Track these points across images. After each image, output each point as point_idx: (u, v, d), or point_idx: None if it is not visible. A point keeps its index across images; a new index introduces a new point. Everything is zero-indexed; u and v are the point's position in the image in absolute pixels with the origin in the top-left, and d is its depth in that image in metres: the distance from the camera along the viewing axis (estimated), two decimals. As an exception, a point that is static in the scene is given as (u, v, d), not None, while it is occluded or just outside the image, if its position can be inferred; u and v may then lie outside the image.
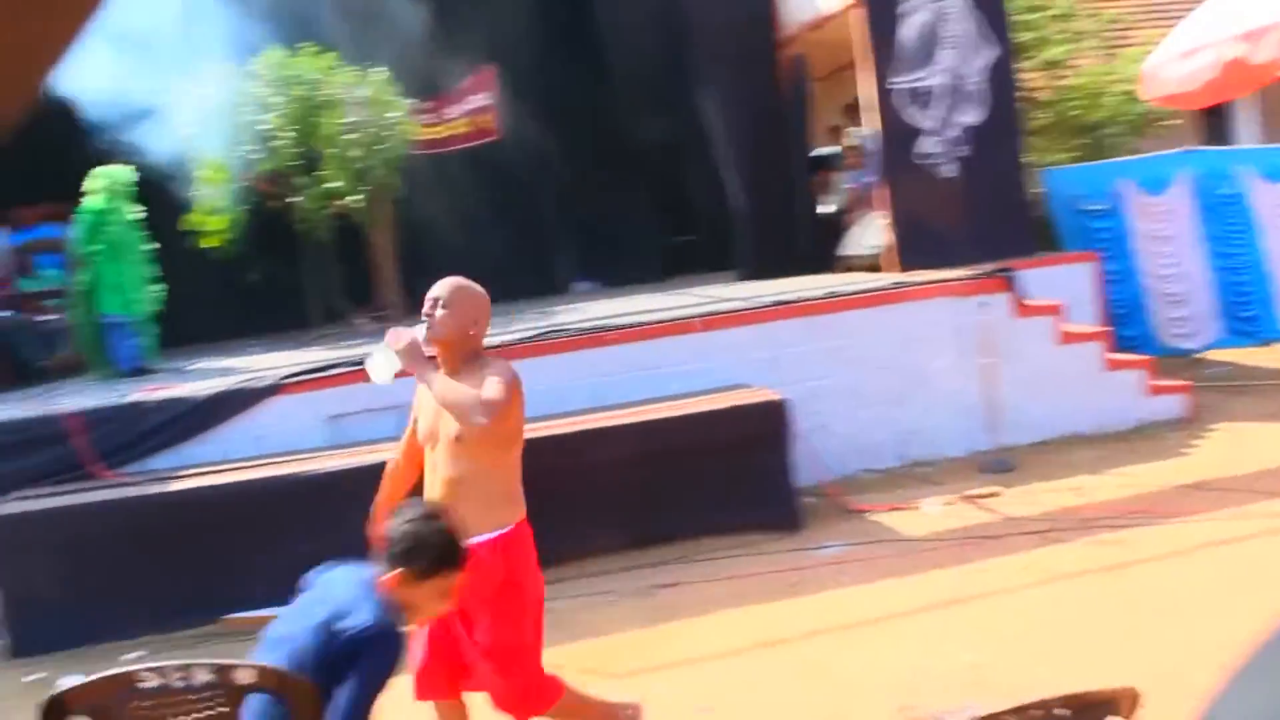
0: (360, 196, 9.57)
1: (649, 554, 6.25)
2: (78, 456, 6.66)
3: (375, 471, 6.06)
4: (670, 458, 6.40)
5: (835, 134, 11.46)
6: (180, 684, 2.38)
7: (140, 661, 5.49)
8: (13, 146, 10.86)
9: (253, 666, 2.41)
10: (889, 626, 4.92)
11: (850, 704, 4.22)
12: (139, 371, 8.38)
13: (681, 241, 12.05)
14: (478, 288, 3.69)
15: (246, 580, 6.05)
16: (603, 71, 12.19)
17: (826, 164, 11.04)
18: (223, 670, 2.38)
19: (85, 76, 9.46)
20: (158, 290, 8.63)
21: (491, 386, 3.37)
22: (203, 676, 2.36)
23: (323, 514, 6.03)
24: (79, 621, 5.92)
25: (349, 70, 9.80)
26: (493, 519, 3.48)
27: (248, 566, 6.07)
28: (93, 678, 2.50)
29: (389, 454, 6.24)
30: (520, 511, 3.62)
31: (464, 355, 3.57)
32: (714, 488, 6.43)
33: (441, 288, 3.61)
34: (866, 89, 8.91)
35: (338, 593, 2.78)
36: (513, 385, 3.44)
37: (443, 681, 3.65)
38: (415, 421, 3.77)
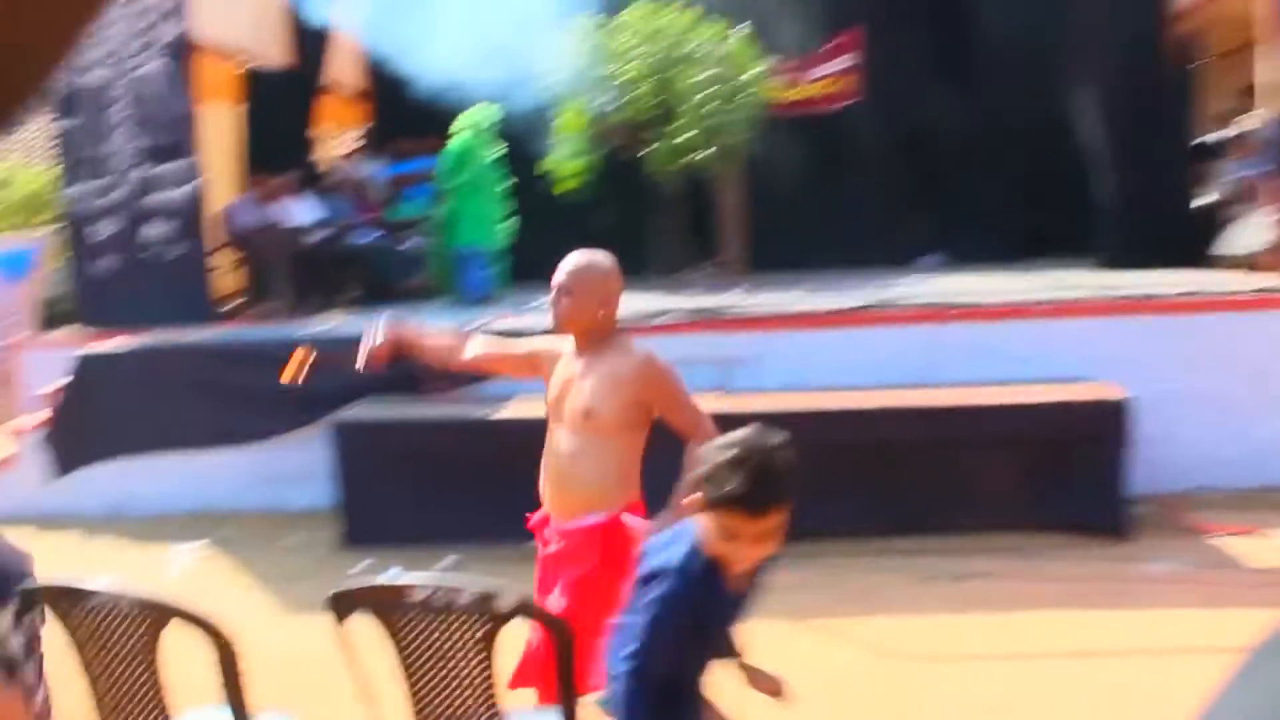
0: (711, 152, 9.66)
1: (959, 539, 6.03)
2: (416, 374, 7.12)
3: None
4: (997, 444, 6.15)
5: (1225, 119, 10.50)
6: (444, 602, 2.48)
7: (453, 567, 5.87)
8: (397, 87, 11.71)
9: (515, 596, 2.48)
10: (1214, 660, 4.50)
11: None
12: (485, 301, 8.86)
13: (1040, 223, 11.42)
14: (603, 264, 3.44)
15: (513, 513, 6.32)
16: (971, 41, 11.71)
17: (1211, 152, 10.15)
18: (485, 597, 2.46)
19: (461, 23, 10.04)
20: (510, 226, 9.07)
21: (685, 404, 3.35)
22: (466, 599, 2.45)
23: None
24: (404, 522, 6.37)
25: (712, 26, 9.87)
26: (604, 493, 3.32)
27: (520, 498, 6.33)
28: (376, 583, 2.65)
29: (706, 405, 6.38)
30: (632, 496, 3.40)
31: (596, 337, 3.39)
32: (1038, 481, 6.12)
33: (564, 274, 3.39)
34: (1267, 71, 8.10)
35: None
36: (671, 372, 3.38)
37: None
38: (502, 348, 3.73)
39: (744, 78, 9.86)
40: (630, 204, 10.51)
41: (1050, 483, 6.11)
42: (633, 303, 8.28)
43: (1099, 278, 8.40)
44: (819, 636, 5.02)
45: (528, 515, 3.61)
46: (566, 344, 3.47)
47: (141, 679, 2.87)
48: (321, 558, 6.50)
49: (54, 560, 6.77)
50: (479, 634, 2.55)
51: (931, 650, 4.79)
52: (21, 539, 7.30)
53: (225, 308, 9.44)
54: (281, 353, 7.58)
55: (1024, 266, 9.72)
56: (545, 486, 3.46)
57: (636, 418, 3.34)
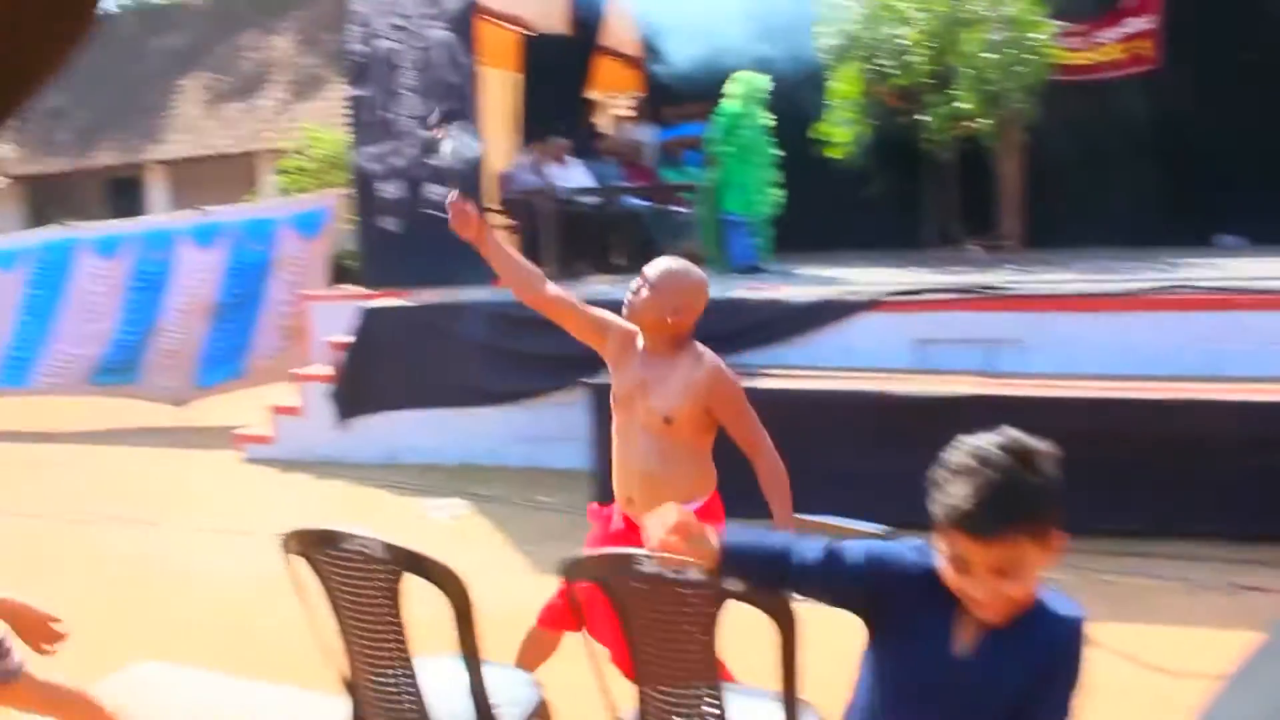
0: (990, 120, 9.26)
1: (1233, 547, 5.57)
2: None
3: (957, 403, 6.01)
4: (1284, 447, 5.63)
5: None
6: (673, 575, 2.46)
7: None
8: (670, 52, 11.77)
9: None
10: None
11: None
12: (751, 269, 8.82)
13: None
14: (692, 275, 3.46)
15: (816, 485, 6.21)
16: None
17: None
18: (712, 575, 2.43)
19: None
20: (779, 194, 8.99)
21: (749, 418, 3.48)
22: (695, 574, 2.42)
23: (896, 435, 6.02)
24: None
25: (997, -14, 9.43)
26: (692, 490, 3.42)
27: (818, 472, 6.22)
28: (603, 551, 2.67)
29: (971, 386, 6.15)
30: (713, 485, 3.54)
31: (665, 340, 3.43)
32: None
33: (653, 269, 3.45)
34: None
35: None
36: (738, 386, 3.48)
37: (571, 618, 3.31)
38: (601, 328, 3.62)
39: (1029, 40, 9.38)
40: (902, 173, 10.22)
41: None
42: (898, 276, 8.10)
43: None
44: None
45: (598, 505, 3.71)
46: (638, 335, 3.51)
47: (385, 622, 3.01)
48: (575, 519, 6.65)
49: (326, 504, 7.29)
50: (706, 609, 2.53)
51: (1205, 667, 4.44)
52: (299, 485, 7.85)
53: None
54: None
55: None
56: (628, 481, 3.51)
57: (709, 423, 3.47)
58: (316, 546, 3.09)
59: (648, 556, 2.60)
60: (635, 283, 3.47)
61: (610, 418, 3.61)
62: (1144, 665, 4.49)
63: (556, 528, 6.50)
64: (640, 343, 3.52)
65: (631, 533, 3.41)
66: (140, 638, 5.17)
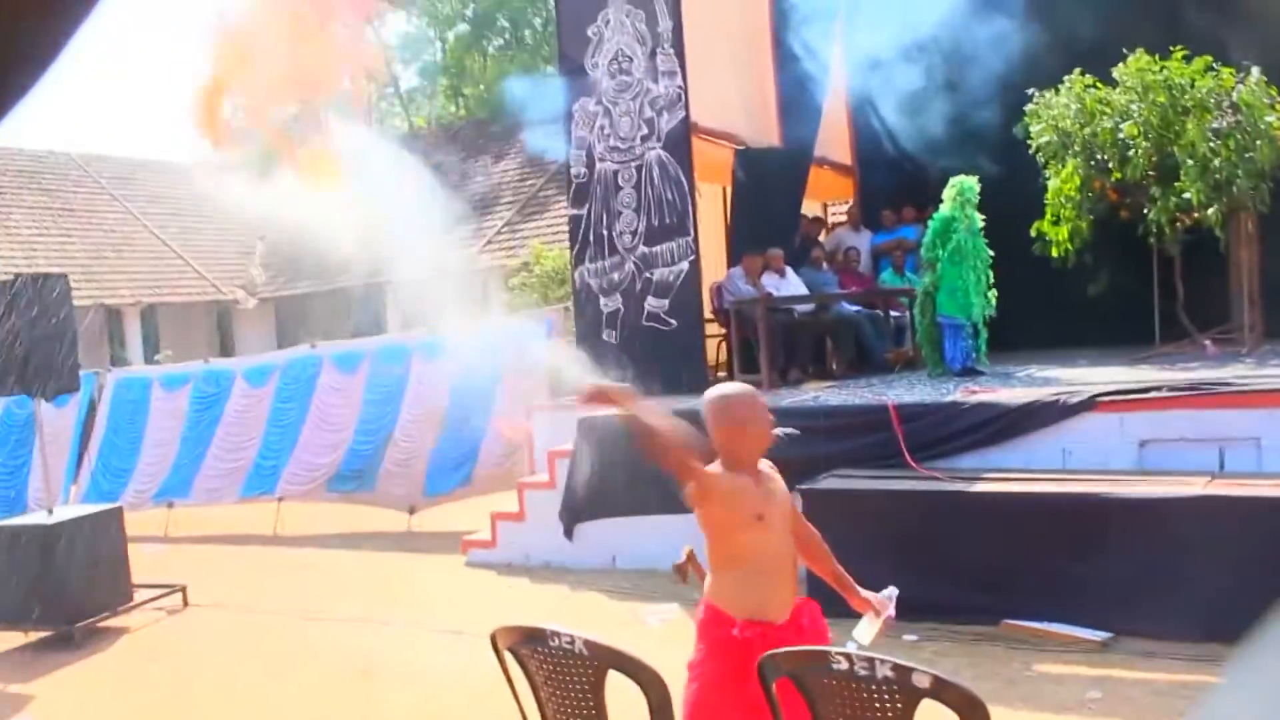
0: (1219, 209, 8.91)
1: None
2: (894, 445, 7.12)
3: (1182, 504, 5.75)
4: None
5: None
6: (863, 673, 2.47)
7: (915, 644, 5.79)
8: (883, 159, 11.85)
9: (931, 674, 2.42)
10: None
11: None
12: (968, 372, 8.69)
13: None
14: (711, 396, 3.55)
15: (1032, 590, 6.04)
16: None
17: None
18: (902, 671, 2.42)
19: (947, 92, 10.01)
20: (994, 296, 8.87)
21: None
22: (884, 672, 2.43)
23: (1120, 540, 5.80)
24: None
25: (1222, 71, 9.14)
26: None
27: (1036, 576, 6.04)
28: (800, 649, 2.70)
29: (1198, 488, 5.87)
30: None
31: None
32: None
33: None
34: None
35: None
36: None
37: None
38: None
39: (1259, 124, 9.02)
40: (1126, 269, 9.89)
41: None
42: (1121, 375, 7.83)
43: None
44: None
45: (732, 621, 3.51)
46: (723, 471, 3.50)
47: (587, 715, 3.11)
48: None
49: (543, 606, 7.48)
50: (896, 707, 2.53)
51: None
52: (519, 588, 8.09)
53: (714, 377, 9.95)
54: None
55: None
56: (762, 589, 3.42)
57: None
58: (523, 643, 3.23)
59: (843, 654, 2.63)
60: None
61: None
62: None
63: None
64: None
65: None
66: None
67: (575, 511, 8.74)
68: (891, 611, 3.63)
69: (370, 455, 11.39)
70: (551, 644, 3.14)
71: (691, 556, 3.93)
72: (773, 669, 2.82)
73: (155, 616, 8.33)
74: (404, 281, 20.22)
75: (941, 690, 2.48)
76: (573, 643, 3.07)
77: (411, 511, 11.13)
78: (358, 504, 11.45)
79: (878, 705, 2.55)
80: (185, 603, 8.56)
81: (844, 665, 2.54)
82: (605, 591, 7.88)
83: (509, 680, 3.31)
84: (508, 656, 3.28)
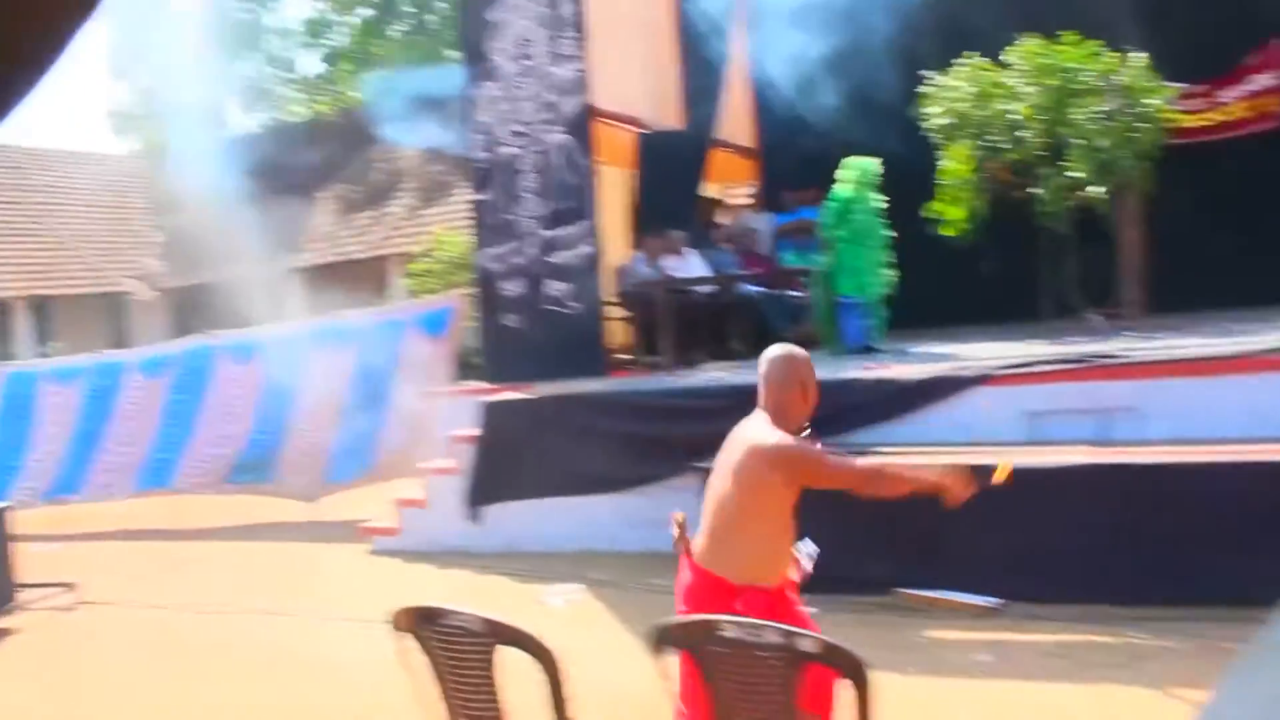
0: (1106, 189, 9.14)
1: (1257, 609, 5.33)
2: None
3: (1069, 473, 5.91)
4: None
5: None
6: (751, 639, 2.50)
7: (813, 615, 5.87)
8: (783, 141, 11.96)
9: (815, 638, 2.46)
10: None
11: None
12: (866, 350, 8.82)
13: None
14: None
15: (925, 559, 6.17)
16: None
17: None
18: (788, 635, 2.46)
19: (843, 74, 10.13)
20: (892, 275, 9.01)
21: None
22: (772, 638, 2.46)
23: (1009, 508, 5.90)
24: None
25: (1108, 56, 9.37)
26: None
27: (929, 546, 6.16)
28: (686, 619, 2.72)
29: (1083, 456, 6.04)
30: None
31: None
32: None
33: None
34: None
35: None
36: None
37: None
38: None
39: (1143, 107, 9.28)
40: (1018, 247, 10.10)
41: None
42: (1013, 350, 8.00)
43: None
44: (1182, 708, 4.60)
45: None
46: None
47: (484, 694, 3.11)
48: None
49: (447, 592, 7.44)
50: (784, 671, 2.56)
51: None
52: (424, 574, 8.03)
53: (616, 360, 9.96)
54: (667, 401, 8.03)
55: None
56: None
57: None
58: (421, 623, 3.22)
59: (731, 623, 2.66)
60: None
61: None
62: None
63: (669, 610, 6.51)
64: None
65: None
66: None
67: (480, 495, 8.70)
68: (809, 567, 3.66)
69: (270, 445, 11.21)
70: (448, 623, 3.13)
71: (683, 524, 3.83)
72: (667, 641, 2.83)
73: (44, 617, 8.10)
74: (305, 270, 19.97)
75: (827, 654, 2.52)
76: (468, 621, 3.06)
77: (314, 501, 10.98)
78: (259, 495, 11.26)
79: (766, 670, 2.58)
80: (77, 601, 8.33)
81: (733, 633, 2.57)
82: (510, 575, 7.87)
83: (406, 660, 3.29)
84: (406, 637, 3.26)
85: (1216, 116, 10.89)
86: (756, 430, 3.51)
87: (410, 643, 3.26)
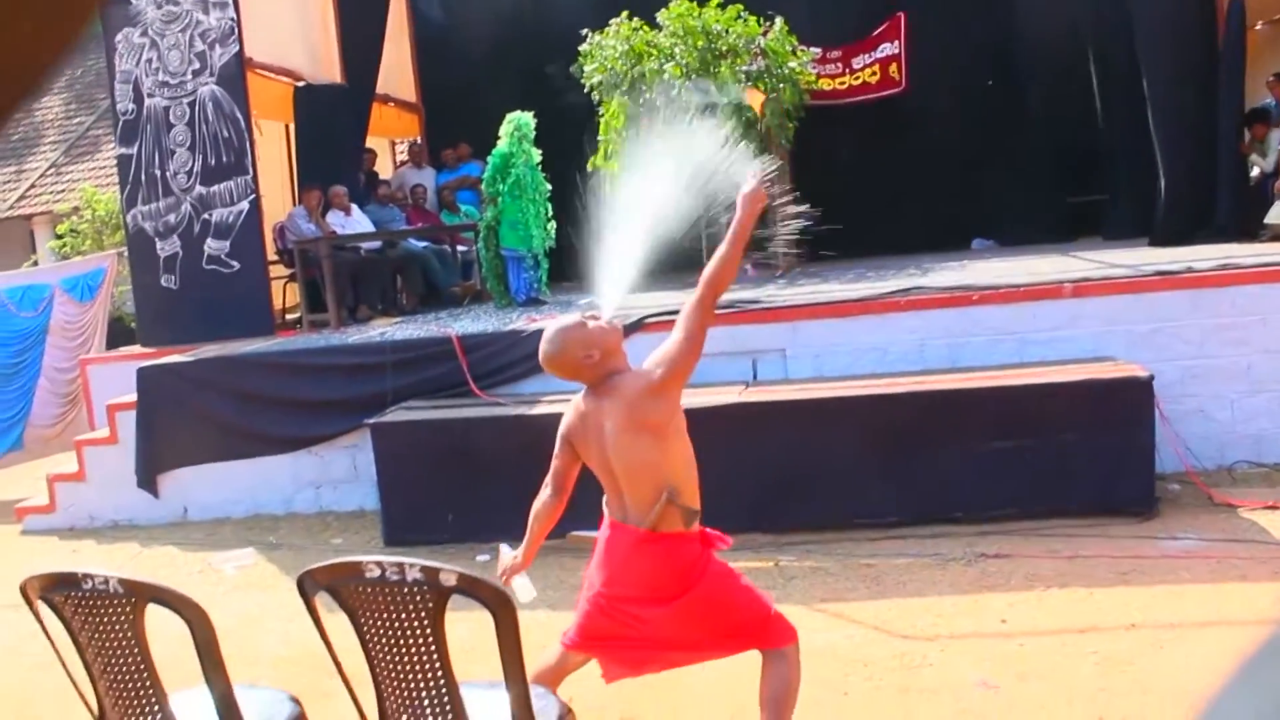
0: (754, 146, 9.70)
1: (984, 523, 6.03)
2: (460, 375, 7.34)
3: (720, 412, 6.33)
4: (1021, 427, 6.12)
5: (1276, 86, 10.27)
6: (395, 577, 2.62)
7: (487, 563, 6.03)
8: (444, 97, 11.98)
9: (458, 571, 2.61)
10: (1217, 634, 4.47)
11: (1143, 707, 3.91)
12: (532, 302, 9.03)
13: (1088, 202, 11.28)
14: (563, 330, 3.46)
15: (592, 502, 6.44)
16: (1014, 17, 11.61)
17: (1263, 118, 9.93)
18: (430, 571, 2.60)
19: (501, 29, 10.25)
20: (554, 228, 9.25)
21: None
22: (413, 574, 2.59)
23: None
24: (441, 522, 6.55)
25: (751, 20, 9.93)
26: None
27: (594, 488, 6.44)
28: (330, 561, 2.81)
29: (734, 396, 6.49)
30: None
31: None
32: (1063, 463, 6.06)
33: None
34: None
35: None
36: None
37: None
38: None
39: (784, 69, 9.91)
40: (676, 202, 10.58)
41: (1077, 464, 6.05)
42: (667, 299, 8.42)
43: (1141, 255, 8.28)
44: (828, 619, 5.08)
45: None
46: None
47: (132, 657, 3.06)
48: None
49: (108, 567, 7.13)
50: (428, 605, 2.69)
51: (939, 629, 4.82)
52: (84, 550, 7.64)
53: (281, 319, 9.76)
54: (331, 360, 7.96)
55: (1075, 249, 9.62)
56: None
57: None
58: (55, 589, 3.13)
59: (374, 562, 2.75)
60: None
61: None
62: (890, 633, 4.84)
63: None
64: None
65: None
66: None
67: (148, 465, 8.32)
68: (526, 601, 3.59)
69: (-101, 422, 10.30)
70: (85, 586, 3.06)
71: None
72: (311, 585, 2.89)
73: None
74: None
75: (470, 587, 2.67)
76: (106, 583, 3.01)
77: (-45, 481, 10.20)
78: (-115, 478, 10.34)
79: (412, 606, 2.70)
80: None
81: (376, 573, 2.67)
82: (178, 545, 7.61)
83: (44, 629, 3.19)
84: (40, 606, 3.16)
85: (850, 80, 11.75)
86: (614, 392, 3.37)
87: (46, 613, 3.16)
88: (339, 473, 7.84)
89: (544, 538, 3.65)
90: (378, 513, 7.17)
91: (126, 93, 9.60)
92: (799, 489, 6.35)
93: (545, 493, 3.59)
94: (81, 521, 8.41)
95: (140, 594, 2.95)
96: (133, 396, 8.29)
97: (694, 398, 6.57)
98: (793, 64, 10.04)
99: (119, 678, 3.10)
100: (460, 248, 10.52)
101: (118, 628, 3.03)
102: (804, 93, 10.18)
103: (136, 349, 9.71)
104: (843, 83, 11.74)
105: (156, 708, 3.08)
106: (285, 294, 10.26)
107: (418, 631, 2.72)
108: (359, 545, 6.99)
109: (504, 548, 3.75)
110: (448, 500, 6.65)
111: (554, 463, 3.58)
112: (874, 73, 11.74)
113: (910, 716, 4.08)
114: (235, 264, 9.34)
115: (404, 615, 2.71)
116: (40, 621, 3.17)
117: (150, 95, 9.52)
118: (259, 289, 9.42)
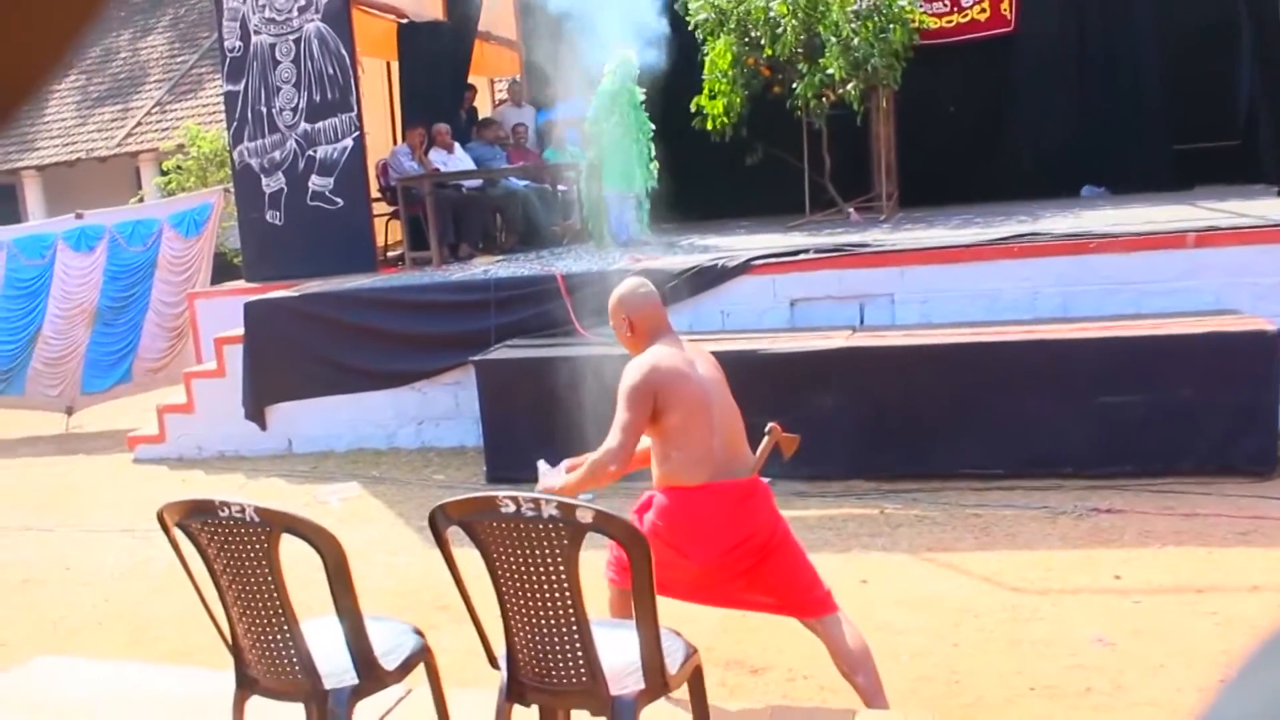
0: (856, 85, 9.52)
1: (1101, 476, 5.91)
2: (564, 313, 7.35)
3: (827, 356, 6.28)
4: (1136, 381, 5.96)
5: None
6: (530, 513, 2.62)
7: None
8: (548, 34, 11.88)
9: (594, 509, 2.61)
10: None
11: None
12: (632, 243, 9.00)
13: (1210, 148, 10.86)
14: (620, 294, 3.67)
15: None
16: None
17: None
18: (566, 508, 2.59)
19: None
20: (657, 168, 9.18)
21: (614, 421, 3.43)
22: (549, 510, 2.59)
23: (772, 390, 6.24)
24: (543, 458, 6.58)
25: (862, -44, 9.69)
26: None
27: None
28: (464, 496, 2.82)
29: (841, 340, 6.42)
30: (665, 481, 3.52)
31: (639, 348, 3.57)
32: (1179, 419, 5.89)
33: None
34: None
35: None
36: (630, 393, 3.42)
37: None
38: None
39: (895, 8, 9.67)
40: (779, 142, 10.44)
41: (1195, 420, 5.88)
42: (775, 241, 8.35)
43: (1268, 206, 7.99)
44: (936, 569, 5.02)
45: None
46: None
47: (264, 584, 3.12)
48: (466, 493, 6.79)
49: (219, 496, 7.30)
50: (563, 542, 2.69)
51: (1050, 583, 4.75)
52: (193, 480, 7.83)
53: (384, 256, 9.85)
54: (436, 297, 8.02)
55: (1193, 198, 9.29)
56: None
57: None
58: (192, 516, 3.19)
59: (509, 498, 2.76)
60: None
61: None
62: (999, 585, 4.77)
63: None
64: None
65: None
66: (36, 637, 5.20)
67: (255, 398, 8.48)
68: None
69: (16, 355, 10.59)
70: (221, 514, 3.11)
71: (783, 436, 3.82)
72: (443, 520, 2.91)
73: None
74: (43, 168, 18.72)
75: (605, 524, 2.67)
76: (243, 511, 3.06)
77: (69, 412, 10.50)
78: (7, 408, 10.68)
79: (547, 543, 2.70)
80: None
81: (511, 508, 2.68)
82: (284, 476, 7.78)
83: (180, 554, 3.26)
84: (177, 532, 3.23)
85: (958, 19, 11.43)
86: (693, 349, 3.70)
87: (182, 539, 3.23)
88: (441, 409, 7.92)
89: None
90: (479, 449, 7.25)
91: (234, 30, 9.69)
92: (904, 436, 6.27)
93: (613, 450, 3.42)
94: (190, 452, 8.62)
95: (276, 522, 3.00)
96: (239, 330, 8.44)
97: (799, 342, 6.53)
98: (903, 2, 9.79)
99: (252, 604, 3.16)
100: (561, 187, 10.50)
101: (253, 555, 3.08)
102: (914, 32, 9.93)
103: (241, 284, 9.88)
104: (950, 21, 11.42)
105: (288, 633, 3.14)
106: (388, 231, 10.34)
107: (551, 568, 2.72)
108: (460, 481, 7.07)
109: (543, 464, 3.77)
110: (551, 438, 6.67)
111: (629, 417, 3.42)
112: (983, 10, 11.41)
113: (1022, 669, 4.02)
114: (339, 200, 9.43)
115: (538, 551, 2.71)
116: (175, 547, 3.23)
117: (257, 32, 9.59)
118: (362, 226, 9.51)
